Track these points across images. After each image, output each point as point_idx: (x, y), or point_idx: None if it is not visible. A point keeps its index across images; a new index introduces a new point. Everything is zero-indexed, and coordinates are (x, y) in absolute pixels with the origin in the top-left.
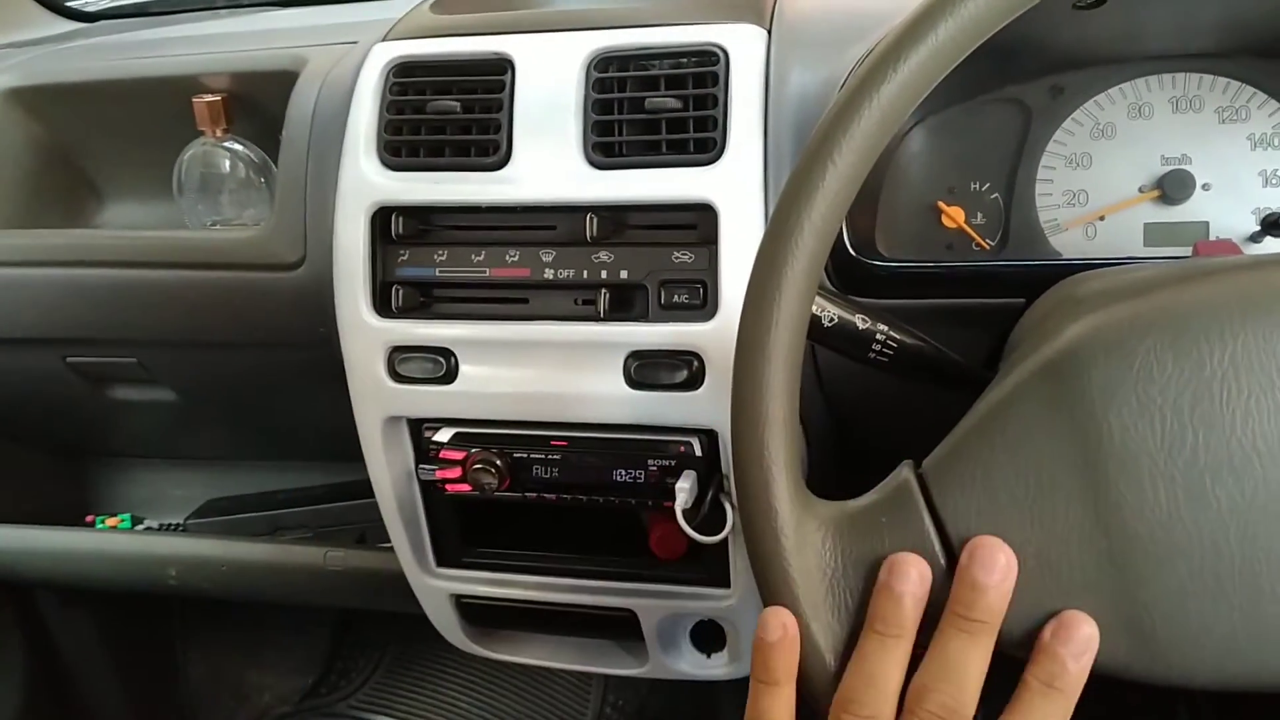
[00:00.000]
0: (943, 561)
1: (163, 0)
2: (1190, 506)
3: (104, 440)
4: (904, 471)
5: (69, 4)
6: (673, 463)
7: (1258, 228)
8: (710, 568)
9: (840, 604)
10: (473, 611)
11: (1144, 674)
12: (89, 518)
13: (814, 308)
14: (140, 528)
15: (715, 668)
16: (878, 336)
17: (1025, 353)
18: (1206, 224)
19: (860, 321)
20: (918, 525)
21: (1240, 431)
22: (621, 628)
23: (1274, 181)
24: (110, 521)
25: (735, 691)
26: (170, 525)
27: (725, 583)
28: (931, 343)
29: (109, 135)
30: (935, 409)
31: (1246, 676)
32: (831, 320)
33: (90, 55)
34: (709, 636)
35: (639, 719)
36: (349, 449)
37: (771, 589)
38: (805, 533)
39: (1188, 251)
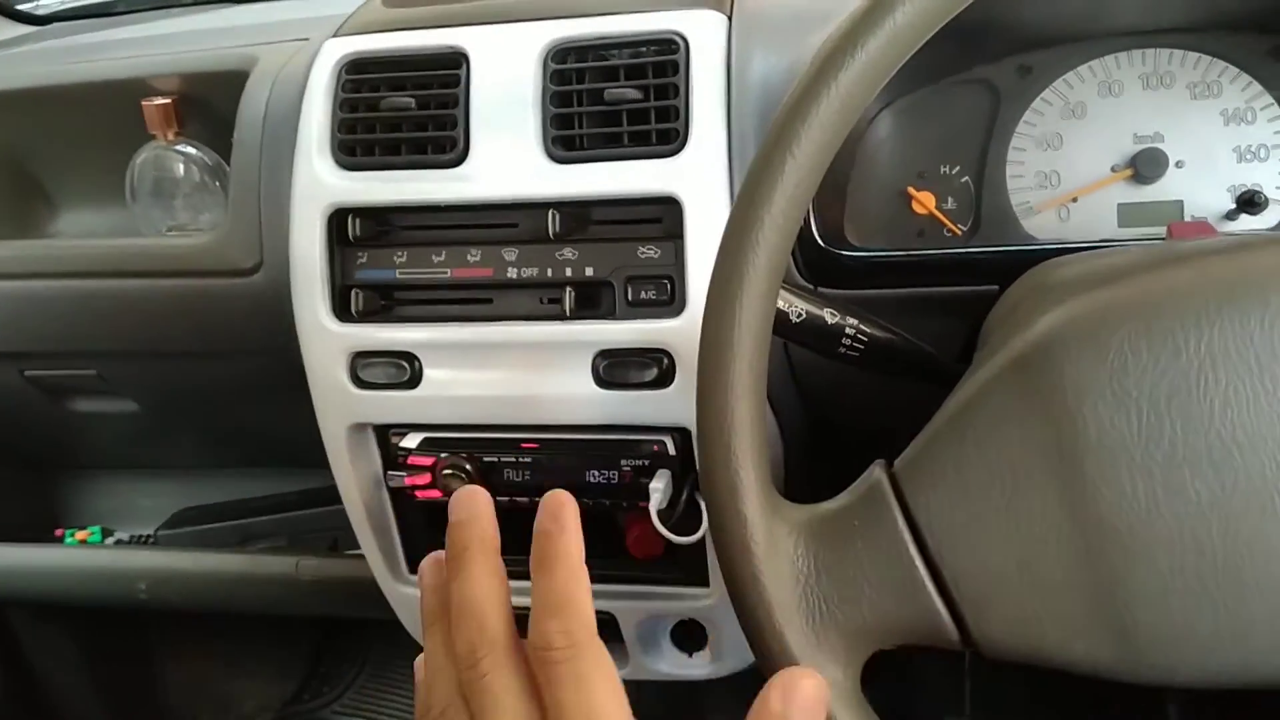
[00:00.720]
0: (918, 564)
1: (114, 1)
2: (1170, 500)
3: (69, 453)
4: (876, 472)
5: (19, 7)
6: (646, 462)
7: (1233, 205)
8: (688, 567)
9: (814, 610)
10: None
11: (1126, 673)
12: (58, 531)
13: (782, 303)
14: (111, 540)
15: (696, 667)
16: (847, 331)
17: (996, 345)
18: (1181, 203)
19: (829, 316)
20: (891, 528)
21: (1219, 422)
22: (600, 629)
23: (1248, 157)
24: (80, 535)
25: (722, 689)
26: (141, 536)
27: (704, 582)
28: (903, 335)
29: (60, 141)
30: (912, 403)
31: (1231, 674)
32: (799, 316)
33: (38, 60)
34: (689, 636)
35: None
36: (318, 455)
37: (742, 599)
38: (776, 539)
39: (1162, 232)
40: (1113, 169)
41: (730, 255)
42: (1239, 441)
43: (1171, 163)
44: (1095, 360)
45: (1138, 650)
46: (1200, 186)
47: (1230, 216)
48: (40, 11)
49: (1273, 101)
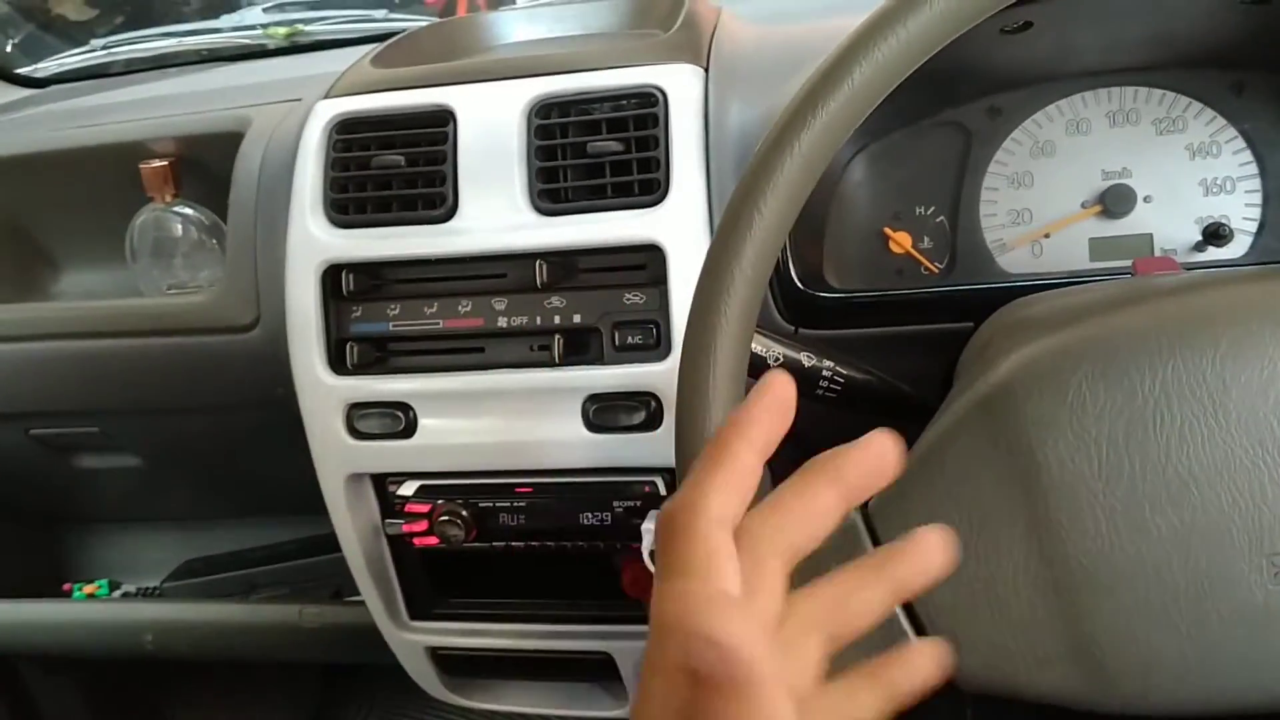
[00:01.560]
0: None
1: (111, 63)
2: (1131, 535)
3: (75, 507)
4: (851, 514)
5: (18, 71)
6: (638, 503)
7: (1200, 237)
8: None
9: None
10: (449, 662)
11: (1097, 704)
12: (66, 586)
13: (759, 348)
14: (118, 593)
15: None
16: (824, 373)
17: (964, 386)
18: (1150, 236)
19: (806, 359)
20: None
21: (1175, 459)
22: (600, 670)
23: (1214, 190)
24: (88, 589)
25: None
26: (148, 589)
27: None
28: (879, 375)
29: (61, 205)
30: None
31: (1202, 702)
32: (777, 360)
33: (39, 125)
34: None
35: None
36: (319, 503)
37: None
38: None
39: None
40: (1083, 205)
41: (703, 308)
42: (1195, 476)
43: (1140, 197)
44: (1055, 400)
45: (1106, 681)
46: (1168, 220)
47: (1198, 248)
48: (39, 74)
49: (1236, 135)
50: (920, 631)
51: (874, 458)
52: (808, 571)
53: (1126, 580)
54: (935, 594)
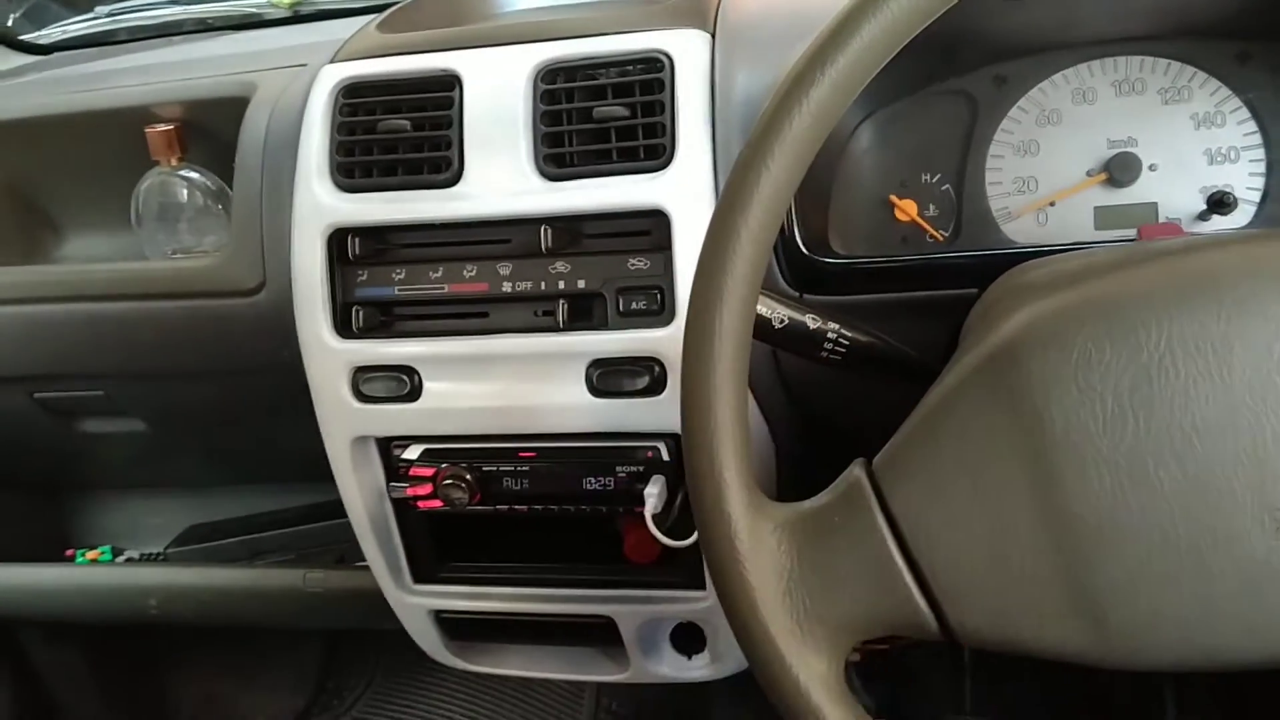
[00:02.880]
0: (896, 558)
1: (116, 30)
2: (1134, 491)
3: (79, 473)
4: (856, 470)
5: (22, 38)
6: (641, 468)
7: (1205, 206)
8: (685, 571)
9: (798, 605)
10: (452, 626)
11: (1100, 660)
12: (69, 551)
13: (765, 310)
14: (121, 559)
15: (696, 669)
16: (829, 335)
17: (969, 345)
18: (1155, 205)
19: (811, 321)
20: (870, 523)
21: (1180, 414)
22: (602, 634)
23: (1219, 159)
24: (91, 554)
25: (728, 690)
26: (151, 555)
27: (701, 585)
28: (884, 338)
29: (65, 169)
30: (898, 402)
31: (1202, 658)
32: (782, 322)
33: (43, 89)
34: (689, 639)
35: None
36: (324, 469)
37: (729, 596)
38: (760, 537)
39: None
40: (1088, 173)
41: (709, 267)
42: (1199, 431)
43: (1145, 166)
44: (1060, 357)
45: (1109, 636)
46: (1173, 189)
47: (1202, 217)
48: (43, 41)
49: (1241, 105)
50: (924, 589)
51: None
52: (816, 529)
53: (1129, 536)
54: (939, 551)
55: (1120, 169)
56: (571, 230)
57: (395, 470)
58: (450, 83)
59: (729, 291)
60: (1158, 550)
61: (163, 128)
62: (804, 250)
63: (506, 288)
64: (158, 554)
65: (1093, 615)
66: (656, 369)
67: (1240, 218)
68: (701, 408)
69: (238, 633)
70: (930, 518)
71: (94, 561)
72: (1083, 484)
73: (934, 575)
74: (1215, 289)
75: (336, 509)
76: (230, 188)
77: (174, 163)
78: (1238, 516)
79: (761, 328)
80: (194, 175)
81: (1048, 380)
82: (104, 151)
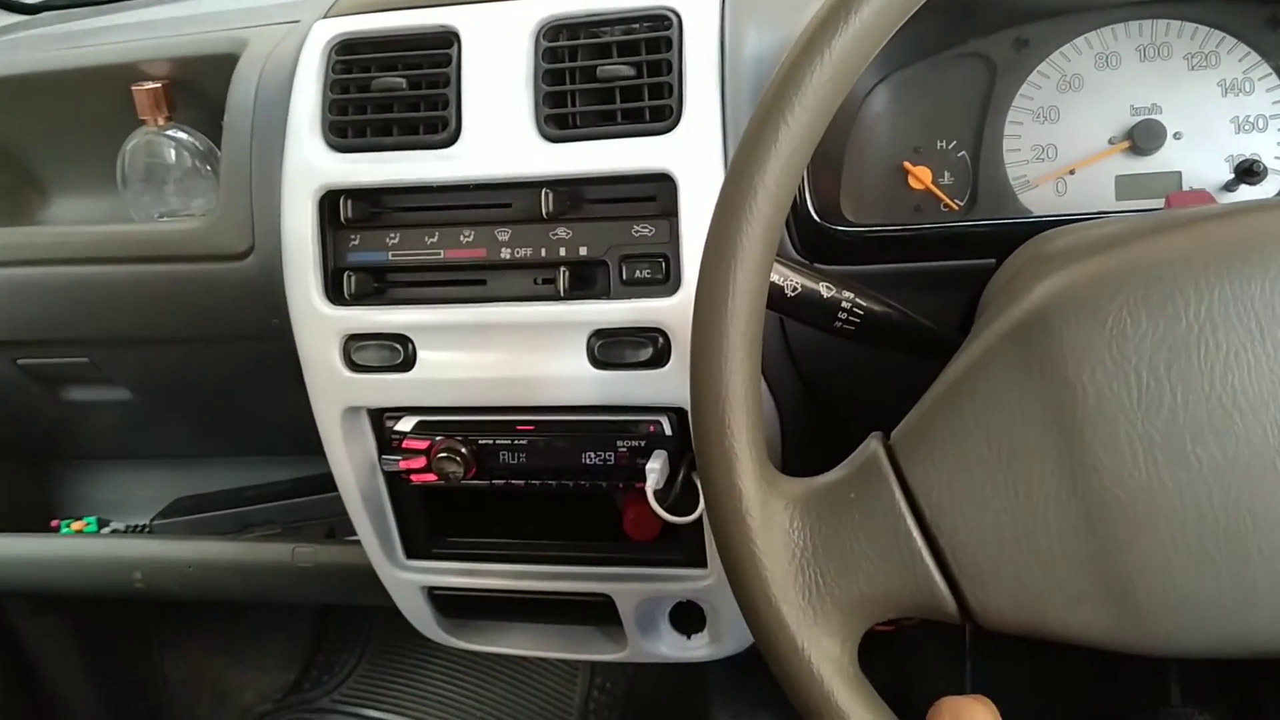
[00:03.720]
0: (915, 536)
1: None
2: (1170, 468)
3: (64, 442)
4: (872, 444)
5: None
6: (642, 443)
7: (1231, 175)
8: (686, 548)
9: (810, 584)
10: (446, 603)
11: (1128, 644)
12: (54, 522)
13: (777, 277)
14: (107, 530)
15: (695, 649)
16: (843, 305)
17: (993, 315)
18: (1179, 174)
19: (824, 290)
20: (888, 499)
21: (1220, 388)
22: (599, 613)
23: (1246, 127)
24: (76, 525)
25: (722, 670)
26: (137, 526)
27: (702, 562)
28: (899, 309)
29: (51, 128)
30: (909, 376)
31: (1235, 643)
32: (794, 290)
33: (28, 47)
34: (688, 618)
35: (627, 702)
36: (314, 441)
37: (737, 573)
38: (771, 512)
39: (1161, 204)
40: (1110, 141)
41: (724, 226)
42: (1240, 406)
43: (1169, 134)
44: (1094, 327)
45: (1139, 619)
46: (1198, 157)
47: (1229, 187)
48: (30, 0)
49: (1270, 71)
50: (944, 569)
51: None
52: (830, 505)
53: (1163, 515)
54: (961, 528)
55: (1144, 137)
56: (573, 194)
57: (388, 442)
58: (448, 39)
59: (745, 252)
60: (1193, 531)
61: (149, 86)
62: (815, 218)
63: (505, 254)
64: (143, 526)
65: (1123, 598)
66: (660, 340)
67: (1270, 187)
68: (712, 374)
69: (227, 607)
70: (952, 493)
71: (79, 533)
72: (1116, 460)
73: (954, 554)
74: (1260, 255)
75: (327, 482)
76: (219, 148)
77: (161, 122)
78: (1279, 497)
79: (774, 296)
80: (182, 135)
81: (1080, 350)
82: (91, 111)
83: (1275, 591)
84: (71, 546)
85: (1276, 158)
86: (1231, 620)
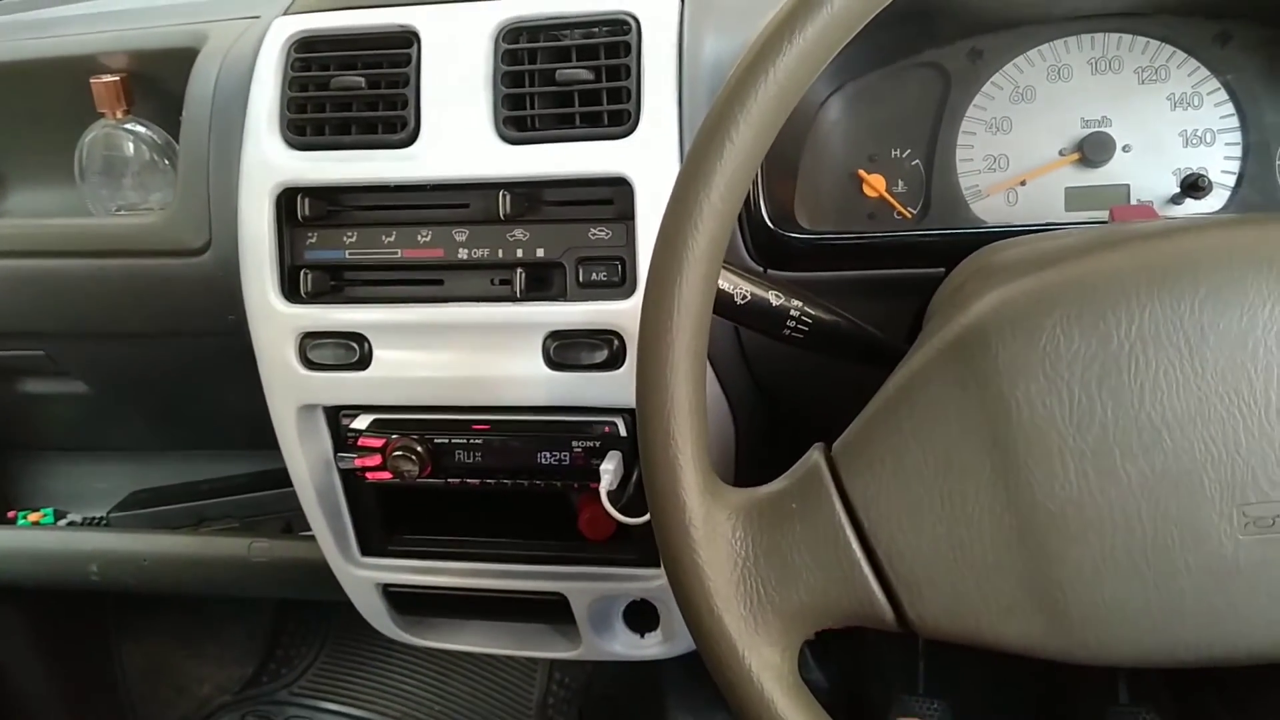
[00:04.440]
0: (854, 546)
1: None
2: (1101, 482)
3: (20, 434)
4: (814, 455)
5: None
6: (597, 444)
7: (1178, 189)
8: (640, 548)
9: (752, 593)
10: (401, 600)
11: (1059, 653)
12: (10, 513)
13: (727, 285)
14: (63, 522)
15: (649, 647)
16: (791, 313)
17: (935, 328)
18: (1127, 186)
19: (774, 298)
20: (828, 511)
21: (1149, 405)
22: (554, 611)
23: (1194, 141)
24: (33, 516)
25: (678, 668)
26: (94, 519)
27: (655, 563)
28: (848, 318)
29: (6, 119)
30: (860, 383)
31: (1164, 653)
32: (744, 298)
33: None
34: (642, 617)
35: (585, 696)
36: (271, 436)
37: (681, 582)
38: (714, 523)
39: (1108, 216)
40: (1061, 153)
41: (669, 240)
42: (1169, 423)
43: (1119, 147)
44: (1028, 344)
45: (1070, 629)
46: (1146, 170)
47: (1175, 200)
48: None
49: (1219, 86)
50: (882, 579)
51: None
52: (772, 515)
53: (1094, 528)
54: (898, 539)
55: (1093, 149)
56: (531, 196)
57: (343, 440)
58: (408, 39)
59: (689, 265)
60: (1122, 544)
61: (108, 79)
62: (769, 224)
63: (462, 254)
64: (100, 519)
65: (1054, 608)
66: (615, 342)
67: (1214, 202)
68: (658, 385)
69: (185, 601)
70: (890, 505)
71: (35, 524)
72: (1048, 474)
73: (891, 565)
74: (1191, 275)
75: (283, 477)
76: (178, 142)
77: (120, 115)
78: (1206, 512)
79: (723, 303)
80: (140, 129)
81: (1015, 366)
82: (48, 102)
83: (1203, 604)
84: (27, 539)
85: (1223, 172)
86: (1160, 631)
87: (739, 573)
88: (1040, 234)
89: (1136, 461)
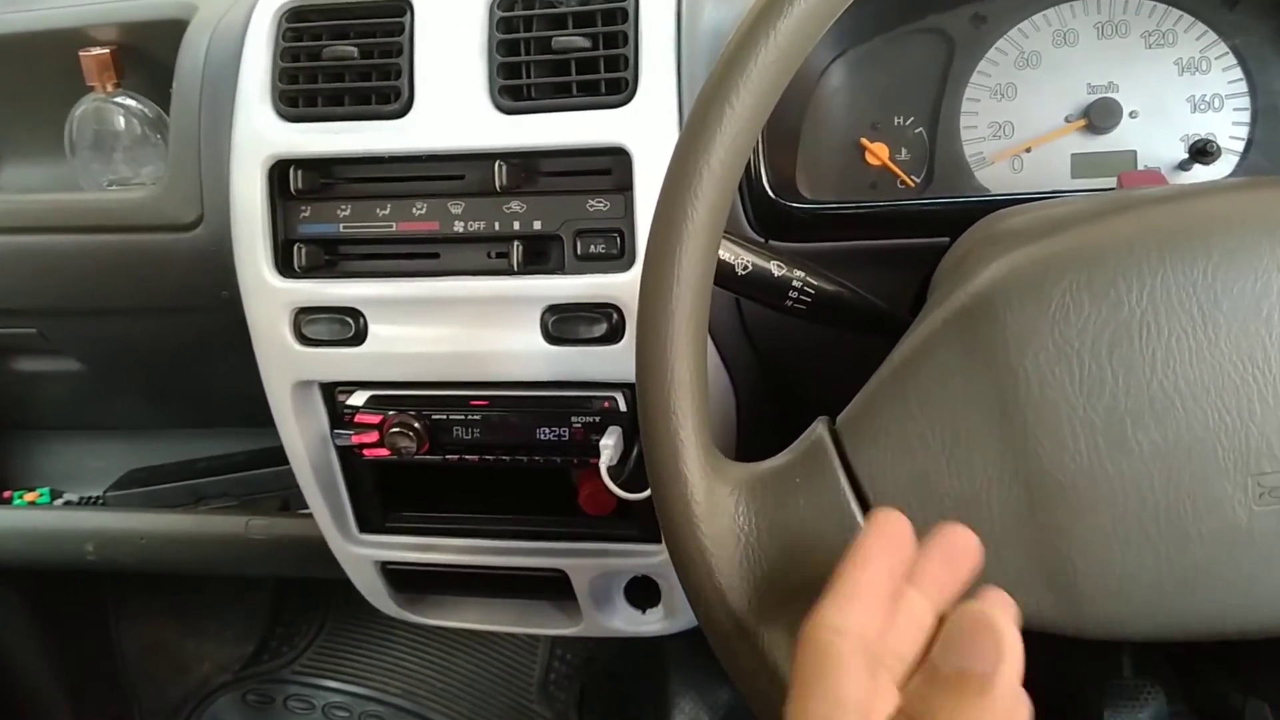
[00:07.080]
0: (859, 520)
1: None
2: (1111, 453)
3: (14, 413)
4: (818, 428)
5: None
6: (597, 419)
7: (1186, 155)
8: (641, 524)
9: (755, 569)
10: (400, 577)
11: (1069, 627)
12: (6, 493)
13: (728, 255)
14: (59, 502)
15: (650, 624)
16: (794, 283)
17: (941, 297)
18: (1134, 153)
19: (776, 268)
20: (832, 484)
21: (1161, 373)
22: (554, 587)
23: (1202, 107)
24: (29, 496)
25: (680, 643)
26: (90, 498)
27: (656, 538)
28: (851, 288)
29: None
30: (864, 355)
31: (1175, 625)
32: (745, 268)
33: None
34: (643, 593)
35: (587, 671)
36: (268, 413)
37: (683, 559)
38: (717, 499)
39: (1116, 182)
40: (1066, 119)
41: (668, 210)
42: (1181, 392)
43: (1125, 113)
44: (1037, 311)
45: (1080, 602)
46: (1154, 137)
47: (1183, 166)
48: None
49: (1227, 51)
50: None
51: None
52: (776, 490)
53: (1105, 499)
54: (904, 512)
55: (1100, 115)
56: (528, 167)
57: (340, 417)
58: (400, 8)
59: (689, 236)
60: (1133, 515)
61: (98, 51)
62: (770, 194)
63: (458, 227)
64: (96, 498)
65: (1064, 580)
66: (615, 316)
67: (1223, 167)
68: (657, 359)
69: (184, 579)
70: (896, 478)
71: (31, 504)
72: (1057, 444)
73: None
74: (1203, 240)
75: (280, 455)
76: (169, 115)
77: (110, 88)
78: (1219, 482)
79: (724, 274)
80: (131, 102)
81: (1023, 334)
82: (38, 76)
83: (1215, 576)
84: (23, 518)
85: (1231, 137)
86: (1171, 603)
87: (741, 549)
88: (1045, 201)
89: (1148, 431)
